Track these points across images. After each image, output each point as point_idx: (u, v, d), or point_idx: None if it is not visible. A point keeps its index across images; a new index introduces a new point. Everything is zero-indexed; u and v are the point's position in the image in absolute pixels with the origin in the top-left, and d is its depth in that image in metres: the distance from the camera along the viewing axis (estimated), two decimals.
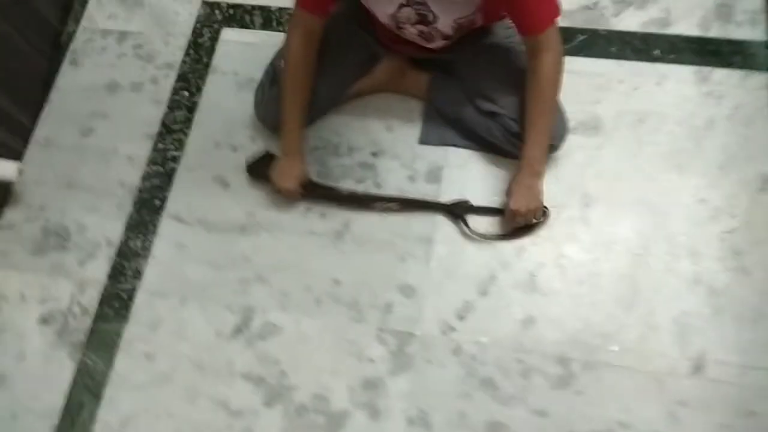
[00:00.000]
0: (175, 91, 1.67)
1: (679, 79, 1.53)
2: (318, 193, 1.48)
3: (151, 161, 1.60)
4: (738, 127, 1.48)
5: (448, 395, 1.32)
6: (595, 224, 1.42)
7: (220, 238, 1.49)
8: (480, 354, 1.34)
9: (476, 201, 1.46)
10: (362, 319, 1.39)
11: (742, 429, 1.25)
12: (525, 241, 1.42)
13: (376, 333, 1.38)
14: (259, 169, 1.51)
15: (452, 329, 1.36)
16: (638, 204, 1.43)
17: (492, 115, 1.42)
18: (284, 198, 1.48)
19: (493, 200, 1.45)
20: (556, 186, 1.45)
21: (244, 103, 1.61)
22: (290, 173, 1.44)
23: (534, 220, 1.39)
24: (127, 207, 1.55)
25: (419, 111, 1.55)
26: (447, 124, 1.52)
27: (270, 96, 1.48)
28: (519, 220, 1.38)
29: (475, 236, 1.42)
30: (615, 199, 1.44)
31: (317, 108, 1.50)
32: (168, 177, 1.57)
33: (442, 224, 1.45)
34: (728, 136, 1.47)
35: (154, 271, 1.48)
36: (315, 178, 1.49)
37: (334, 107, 1.56)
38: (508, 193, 1.39)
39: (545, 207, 1.40)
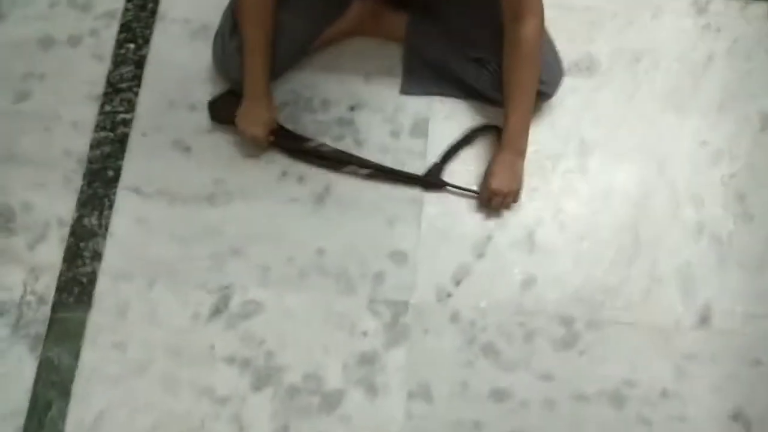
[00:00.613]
0: (119, 44, 1.47)
1: (675, 11, 1.43)
2: (289, 143, 1.34)
3: (99, 126, 1.41)
4: (738, 61, 1.39)
5: (449, 365, 1.24)
6: (593, 174, 1.34)
7: (185, 210, 1.34)
8: (479, 319, 1.26)
9: (464, 155, 1.35)
10: (352, 290, 1.29)
11: (748, 378, 1.22)
12: (522, 196, 1.33)
13: (368, 304, 1.28)
14: (223, 111, 1.36)
15: (449, 295, 1.28)
16: (637, 150, 1.35)
17: (480, 61, 1.29)
18: (252, 145, 1.35)
19: (480, 156, 1.34)
20: (550, 134, 1.35)
21: (200, 55, 1.42)
22: (257, 118, 1.29)
23: (512, 204, 1.30)
24: (77, 180, 1.38)
25: (399, 58, 1.40)
26: (430, 71, 1.38)
27: (232, 47, 1.30)
28: (496, 202, 1.29)
29: (456, 190, 1.31)
30: (613, 146, 1.35)
31: (284, 58, 1.33)
32: (120, 144, 1.40)
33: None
34: (728, 72, 1.39)
35: (115, 250, 1.33)
36: (285, 125, 1.35)
37: (303, 56, 1.39)
38: (489, 172, 1.28)
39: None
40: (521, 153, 1.27)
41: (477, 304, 1.27)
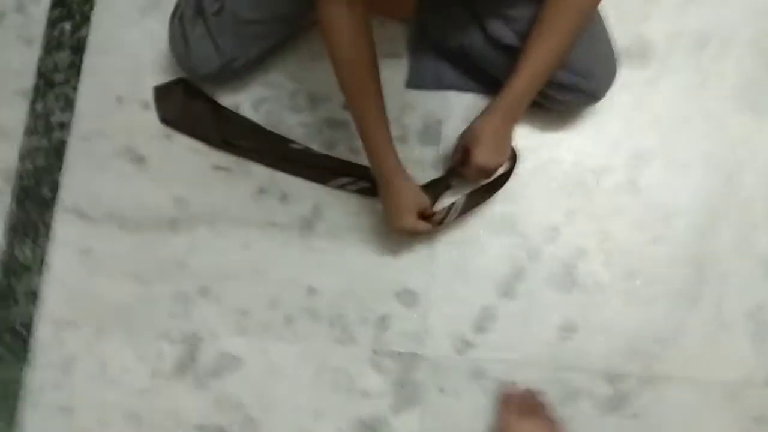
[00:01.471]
0: (52, 24, 1.16)
1: None
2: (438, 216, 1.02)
3: (30, 130, 1.13)
4: None
5: None
6: (647, 192, 1.08)
7: (141, 239, 1.08)
8: (508, 376, 1.03)
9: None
10: (350, 339, 1.04)
11: None
12: (557, 219, 1.07)
13: (371, 357, 1.04)
14: (175, 110, 1.09)
15: (470, 345, 1.04)
16: (702, 161, 1.08)
17: (508, 49, 1.00)
18: (408, 236, 1.05)
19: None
20: (594, 141, 1.09)
21: (154, 36, 1.13)
22: (404, 202, 0.96)
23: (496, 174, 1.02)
24: (5, 200, 1.10)
25: (404, 41, 1.11)
26: (444, 58, 1.10)
27: (198, 34, 1.01)
28: (472, 179, 1.02)
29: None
30: (672, 155, 1.09)
31: (261, 42, 1.04)
32: (56, 153, 1.12)
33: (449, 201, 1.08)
34: None
35: (56, 290, 1.07)
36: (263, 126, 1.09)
37: (285, 39, 1.10)
38: (472, 139, 0.96)
39: (513, 150, 1.03)
40: (515, 121, 0.96)
41: (504, 356, 1.03)
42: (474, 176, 1.00)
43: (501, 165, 0.98)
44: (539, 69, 0.90)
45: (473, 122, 1.00)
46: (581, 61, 0.96)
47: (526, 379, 1.03)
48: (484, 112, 0.98)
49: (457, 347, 1.04)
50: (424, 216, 0.98)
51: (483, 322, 1.04)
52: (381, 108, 0.92)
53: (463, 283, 1.05)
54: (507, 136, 0.97)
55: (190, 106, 1.09)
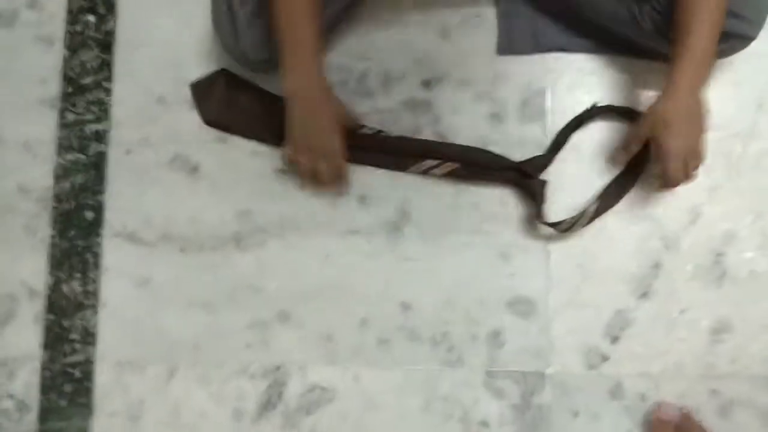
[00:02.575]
0: (73, 18, 1.00)
1: None
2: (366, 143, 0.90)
3: (63, 146, 0.97)
4: None
5: None
6: None
7: (204, 261, 0.93)
8: (651, 390, 0.86)
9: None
10: (459, 360, 0.89)
11: None
12: (698, 199, 0.89)
13: (485, 380, 0.88)
14: (216, 105, 0.93)
15: (604, 358, 0.87)
16: None
17: None
18: (328, 180, 0.87)
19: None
20: (737, 102, 0.90)
21: (193, 20, 0.96)
22: (328, 123, 0.82)
23: (693, 171, 0.83)
24: (44, 229, 0.96)
25: None
26: (542, 14, 0.91)
27: (246, 12, 0.83)
28: (674, 171, 0.81)
29: (552, 228, 0.87)
30: None
31: (323, 12, 0.87)
32: (96, 169, 0.96)
33: (562, 186, 0.90)
34: None
35: (112, 327, 0.93)
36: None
37: (348, 11, 0.92)
38: (656, 126, 0.80)
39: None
40: (700, 90, 0.79)
41: (646, 368, 0.87)
42: (672, 177, 0.81)
43: (695, 154, 0.80)
44: (711, 18, 0.71)
45: (652, 107, 0.80)
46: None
47: (672, 392, 0.86)
48: (665, 89, 0.78)
49: (589, 361, 0.87)
50: (352, 138, 0.85)
51: (617, 329, 0.87)
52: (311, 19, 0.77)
53: (589, 285, 0.88)
54: (701, 108, 0.79)
55: (236, 101, 0.93)
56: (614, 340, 0.87)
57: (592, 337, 0.87)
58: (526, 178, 0.87)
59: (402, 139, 0.91)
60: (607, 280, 0.88)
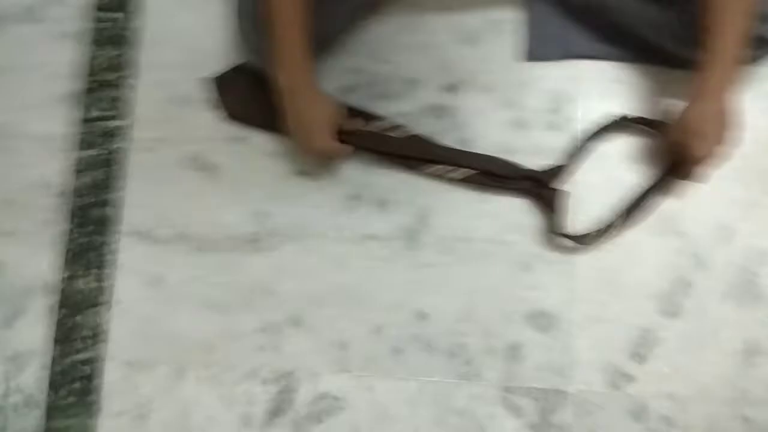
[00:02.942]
0: (99, 14, 1.00)
1: None
2: (366, 136, 0.89)
3: (83, 141, 0.97)
4: None
5: None
6: None
7: (219, 262, 0.92)
8: (679, 414, 0.82)
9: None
10: (476, 374, 0.85)
11: None
12: (732, 215, 0.85)
13: (503, 396, 0.85)
14: (240, 101, 0.92)
15: (627, 378, 0.83)
16: None
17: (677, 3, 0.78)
18: (319, 161, 0.90)
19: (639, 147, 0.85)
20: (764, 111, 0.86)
21: (219, 23, 0.96)
22: (316, 116, 0.83)
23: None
24: (60, 225, 0.96)
25: (520, 2, 0.90)
26: (572, 20, 0.88)
27: None
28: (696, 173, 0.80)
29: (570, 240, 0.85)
30: None
31: (338, 19, 0.86)
32: (115, 165, 0.96)
33: (587, 193, 0.87)
34: None
35: (125, 325, 0.92)
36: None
37: (366, 13, 0.91)
38: (684, 133, 0.78)
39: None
40: (729, 96, 0.77)
41: (672, 389, 0.82)
42: (694, 171, 0.81)
43: (725, 144, 0.78)
44: (736, 25, 0.69)
45: (682, 114, 0.78)
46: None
47: (700, 416, 0.82)
48: (695, 94, 0.77)
49: (612, 380, 0.83)
50: (342, 133, 0.85)
51: (643, 348, 0.84)
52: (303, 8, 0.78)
53: (615, 300, 0.85)
54: (729, 112, 0.76)
55: (259, 94, 0.91)
56: (640, 359, 0.83)
57: (615, 355, 0.84)
58: (543, 188, 0.85)
59: (419, 142, 0.89)
60: (635, 297, 0.84)
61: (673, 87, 0.87)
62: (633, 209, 0.84)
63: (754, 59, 0.80)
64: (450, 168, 0.87)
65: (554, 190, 0.85)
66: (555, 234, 0.85)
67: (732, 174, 0.85)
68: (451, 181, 0.88)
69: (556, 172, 0.85)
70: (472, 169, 0.87)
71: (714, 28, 0.72)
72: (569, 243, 0.85)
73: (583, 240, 0.83)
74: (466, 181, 0.88)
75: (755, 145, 0.85)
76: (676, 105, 0.82)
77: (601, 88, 0.89)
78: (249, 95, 0.92)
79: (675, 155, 0.81)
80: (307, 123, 0.82)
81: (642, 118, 0.86)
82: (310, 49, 0.80)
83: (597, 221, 0.85)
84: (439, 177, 0.88)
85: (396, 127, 0.89)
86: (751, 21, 0.72)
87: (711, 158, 0.77)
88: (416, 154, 0.88)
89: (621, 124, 0.86)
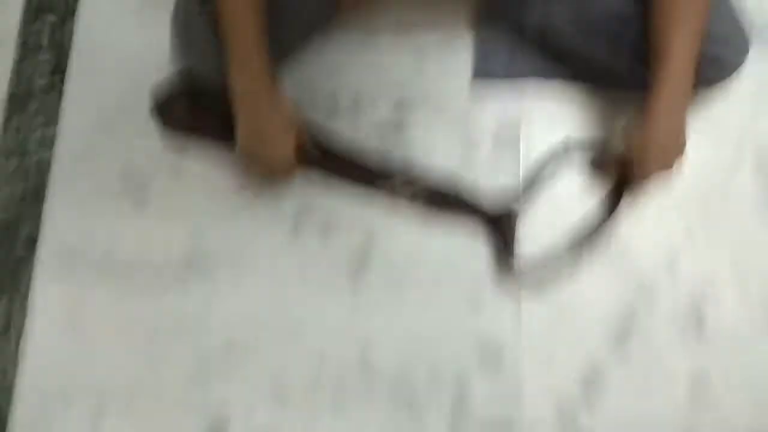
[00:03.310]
0: (30, 18, 0.94)
1: None
2: (327, 159, 0.85)
3: (5, 151, 0.90)
4: None
5: None
6: None
7: (147, 289, 0.85)
8: None
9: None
10: (420, 411, 0.81)
11: None
12: (676, 242, 0.84)
13: None
14: (178, 112, 0.87)
15: (577, 412, 0.80)
16: None
17: (618, 20, 0.78)
18: (270, 177, 0.84)
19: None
20: (714, 141, 0.86)
21: (156, 30, 0.90)
22: (276, 135, 0.78)
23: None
24: None
25: (467, 19, 0.89)
26: (521, 40, 0.87)
27: (202, 22, 0.78)
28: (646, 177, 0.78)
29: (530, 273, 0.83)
30: None
31: (292, 36, 0.82)
32: (38, 179, 0.89)
33: (536, 224, 0.85)
34: None
35: (38, 359, 0.84)
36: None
37: (318, 30, 0.87)
38: (635, 151, 0.77)
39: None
40: (679, 116, 0.76)
41: (625, 423, 0.80)
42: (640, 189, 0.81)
43: (677, 162, 0.77)
44: (693, 31, 0.68)
45: (631, 135, 0.78)
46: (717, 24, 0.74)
47: None
48: (645, 115, 0.75)
49: (561, 417, 0.80)
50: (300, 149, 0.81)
51: (593, 381, 0.81)
52: (258, 8, 0.72)
53: (563, 330, 0.82)
54: (679, 132, 0.76)
55: (201, 110, 0.86)
56: (589, 392, 0.81)
57: (565, 388, 0.80)
58: (492, 221, 0.83)
59: (370, 163, 0.86)
60: (581, 328, 0.82)
61: (618, 107, 0.86)
62: (582, 243, 0.82)
63: (709, 82, 0.80)
64: (402, 183, 0.84)
65: (504, 222, 0.82)
66: (503, 268, 0.82)
67: (673, 197, 0.84)
68: (400, 197, 0.84)
69: (506, 209, 0.83)
70: (423, 190, 0.84)
71: (663, 47, 0.71)
72: (518, 279, 0.82)
73: (532, 277, 0.81)
74: (417, 198, 0.84)
75: (696, 171, 0.85)
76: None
77: (548, 107, 0.88)
78: (192, 115, 0.86)
79: (620, 176, 0.80)
80: (266, 131, 0.76)
81: (587, 141, 0.85)
82: (268, 53, 0.75)
83: (545, 255, 0.83)
84: (391, 192, 0.84)
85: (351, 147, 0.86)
86: (700, 40, 0.72)
87: (656, 178, 0.77)
88: (369, 171, 0.84)
89: (568, 148, 0.85)
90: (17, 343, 0.84)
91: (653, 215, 0.84)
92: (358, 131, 0.87)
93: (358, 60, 0.88)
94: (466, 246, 0.84)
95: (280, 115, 0.77)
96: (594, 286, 0.83)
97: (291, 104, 0.79)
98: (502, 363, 0.81)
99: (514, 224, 0.83)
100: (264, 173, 0.84)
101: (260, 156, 0.79)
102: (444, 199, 0.84)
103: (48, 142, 0.89)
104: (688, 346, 0.82)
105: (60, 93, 0.91)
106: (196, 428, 0.81)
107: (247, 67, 0.74)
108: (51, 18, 0.93)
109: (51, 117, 0.90)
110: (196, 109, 0.86)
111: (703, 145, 0.85)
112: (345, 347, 0.83)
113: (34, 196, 0.88)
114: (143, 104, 0.89)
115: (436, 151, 0.87)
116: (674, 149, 0.76)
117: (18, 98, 0.91)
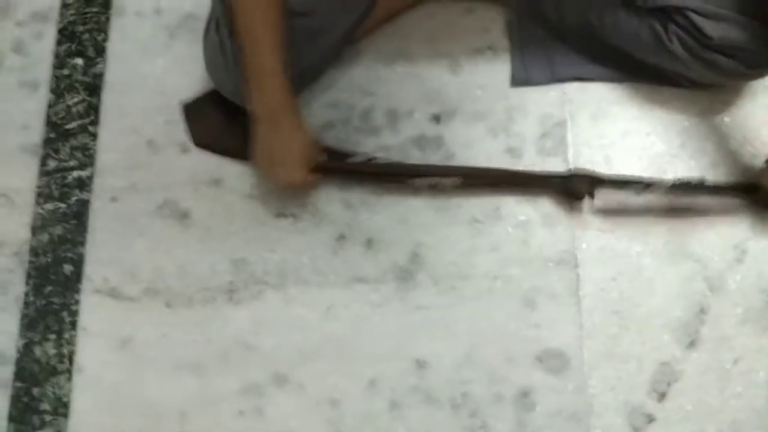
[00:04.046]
0: (60, 61, 0.95)
1: None
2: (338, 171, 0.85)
3: (43, 195, 0.90)
4: None
5: None
6: None
7: (194, 317, 0.83)
8: None
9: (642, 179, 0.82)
10: (482, 426, 0.77)
11: None
12: (742, 234, 0.80)
13: None
14: (209, 127, 0.87)
15: (650, 419, 0.76)
16: None
17: (662, 13, 0.75)
18: (292, 193, 0.84)
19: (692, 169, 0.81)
20: None
21: (185, 61, 0.91)
22: (291, 149, 0.76)
23: None
24: (18, 286, 0.87)
25: (504, 26, 0.87)
26: (557, 43, 0.85)
27: (237, 48, 0.77)
28: None
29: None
30: None
31: (319, 41, 0.81)
32: (78, 219, 0.88)
33: (587, 225, 0.82)
34: None
35: (89, 396, 0.82)
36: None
37: (346, 38, 0.86)
38: None
39: None
40: None
41: (700, 428, 0.75)
42: None
43: None
44: None
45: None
46: None
47: None
48: None
49: (634, 423, 0.76)
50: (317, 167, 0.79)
51: (664, 384, 0.77)
52: (278, 25, 0.72)
53: (628, 334, 0.78)
54: None
55: (229, 122, 0.86)
56: (661, 397, 0.76)
57: (635, 394, 0.76)
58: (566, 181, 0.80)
59: (398, 165, 0.84)
60: (648, 329, 0.78)
61: (665, 105, 0.84)
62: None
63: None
64: (437, 181, 0.81)
65: (577, 180, 0.79)
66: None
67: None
68: (445, 189, 0.82)
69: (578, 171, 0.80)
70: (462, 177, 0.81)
71: None
72: (576, 273, 0.79)
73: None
74: (461, 186, 0.81)
75: (758, 160, 0.81)
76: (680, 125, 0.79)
77: (593, 109, 0.85)
78: (218, 122, 0.86)
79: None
80: (283, 153, 0.76)
81: (729, 184, 0.80)
82: (289, 76, 0.75)
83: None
84: (432, 188, 0.82)
85: (372, 159, 0.84)
86: None
87: None
88: (398, 172, 0.82)
89: (702, 188, 0.79)
90: (68, 384, 0.82)
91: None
92: (397, 147, 0.86)
93: (391, 74, 0.87)
94: (514, 251, 0.82)
95: (298, 138, 0.76)
96: (657, 283, 0.79)
97: (309, 129, 0.78)
98: (565, 371, 0.77)
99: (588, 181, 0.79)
100: (281, 188, 0.82)
101: (276, 175, 0.78)
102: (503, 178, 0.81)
103: (85, 182, 0.89)
104: (764, 343, 0.77)
105: (92, 133, 0.91)
106: None
107: (266, 86, 0.74)
108: (79, 61, 0.94)
109: (87, 157, 0.91)
110: (225, 113, 0.86)
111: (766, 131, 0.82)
112: (398, 366, 0.80)
113: (74, 237, 0.87)
114: (178, 135, 0.89)
115: (479, 162, 0.85)
116: None
117: (52, 142, 0.91)
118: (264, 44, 0.72)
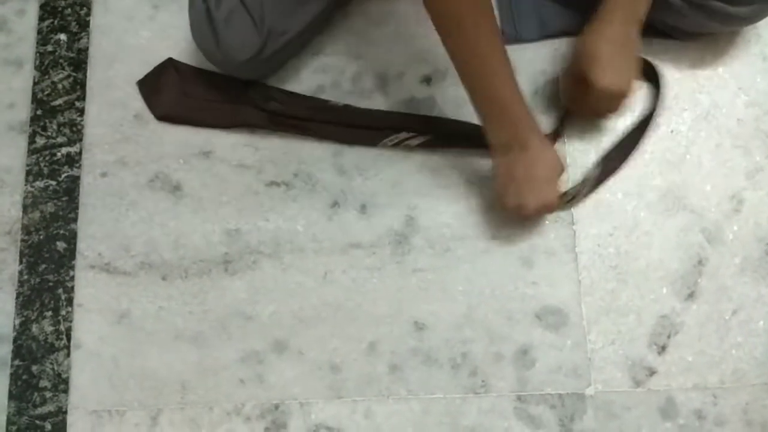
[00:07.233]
0: (44, 37, 0.93)
1: None
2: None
3: (33, 173, 0.89)
4: None
5: None
6: None
7: (190, 288, 0.83)
8: (710, 406, 0.74)
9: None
10: (485, 385, 0.77)
11: None
12: (738, 184, 0.79)
13: (517, 406, 0.76)
14: (168, 100, 0.87)
15: (651, 372, 0.76)
16: None
17: None
18: (538, 219, 0.80)
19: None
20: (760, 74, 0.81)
21: (170, 32, 0.89)
22: (547, 170, 0.72)
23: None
24: (11, 265, 0.86)
25: None
26: None
27: (227, 10, 0.76)
28: (601, 107, 0.76)
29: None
30: None
31: (310, 5, 0.80)
32: (69, 196, 0.87)
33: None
34: None
35: (88, 371, 0.82)
36: None
37: (334, 13, 0.85)
38: (584, 59, 0.73)
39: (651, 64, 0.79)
40: (640, 21, 0.72)
41: (701, 380, 0.75)
42: (599, 109, 0.77)
43: (633, 84, 0.73)
44: None
45: (581, 37, 0.74)
46: None
47: (733, 406, 0.74)
48: (594, 21, 0.73)
49: (635, 377, 0.76)
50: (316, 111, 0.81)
51: (664, 337, 0.76)
52: (504, 51, 0.67)
53: (626, 288, 0.78)
54: (633, 43, 0.72)
55: (188, 89, 0.86)
56: (661, 349, 0.76)
57: (635, 348, 0.76)
58: None
59: (371, 112, 0.83)
60: (646, 282, 0.78)
61: (656, 57, 0.82)
62: (608, 161, 0.79)
63: (744, 20, 0.76)
64: (409, 135, 0.81)
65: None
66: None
67: (730, 138, 0.80)
68: (410, 148, 0.81)
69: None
70: (430, 134, 0.81)
71: None
72: (572, 231, 0.78)
73: (562, 199, 0.77)
74: (426, 146, 0.81)
75: (755, 109, 0.80)
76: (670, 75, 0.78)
77: None
78: (175, 92, 0.86)
79: (580, 92, 0.75)
80: (532, 178, 0.71)
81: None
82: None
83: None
84: (398, 146, 0.82)
85: (345, 106, 0.83)
86: None
87: (619, 92, 0.72)
88: (377, 125, 0.82)
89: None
90: (67, 360, 0.82)
91: (713, 155, 0.80)
92: (390, 109, 0.85)
93: (379, 36, 0.86)
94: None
95: (547, 157, 0.72)
96: (654, 236, 0.79)
97: (553, 147, 0.74)
98: (564, 327, 0.77)
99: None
100: (533, 216, 0.76)
101: (527, 206, 0.73)
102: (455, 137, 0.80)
103: (74, 158, 0.88)
104: (763, 292, 0.76)
105: (79, 109, 0.90)
106: (254, 429, 0.78)
107: (517, 117, 0.70)
108: (62, 36, 0.93)
109: (75, 133, 0.89)
110: (183, 81, 0.86)
111: (759, 82, 0.81)
112: (397, 329, 0.79)
113: (65, 214, 0.87)
114: None
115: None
116: (626, 63, 0.72)
117: (39, 120, 0.90)
118: (497, 69, 0.68)
